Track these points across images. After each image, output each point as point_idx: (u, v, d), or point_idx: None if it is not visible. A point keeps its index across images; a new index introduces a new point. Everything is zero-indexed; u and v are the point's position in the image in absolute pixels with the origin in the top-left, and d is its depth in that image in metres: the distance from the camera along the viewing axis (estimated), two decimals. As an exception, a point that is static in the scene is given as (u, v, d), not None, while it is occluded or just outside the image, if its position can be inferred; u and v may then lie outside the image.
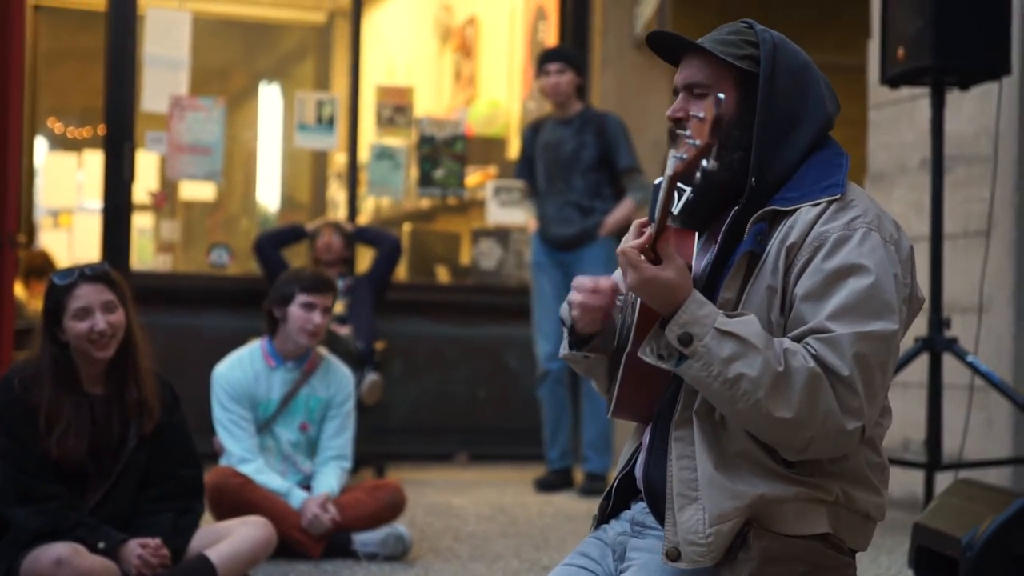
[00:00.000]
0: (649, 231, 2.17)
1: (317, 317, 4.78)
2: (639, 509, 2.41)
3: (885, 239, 2.25)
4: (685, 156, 2.13)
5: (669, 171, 2.12)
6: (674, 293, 2.17)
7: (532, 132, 6.86)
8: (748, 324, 2.16)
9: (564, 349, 2.51)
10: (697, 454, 2.25)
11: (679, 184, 2.21)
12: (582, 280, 2.39)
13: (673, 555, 2.24)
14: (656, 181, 2.19)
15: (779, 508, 2.23)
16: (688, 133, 2.17)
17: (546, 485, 6.60)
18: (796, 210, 2.28)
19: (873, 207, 2.30)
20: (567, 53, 6.75)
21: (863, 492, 2.30)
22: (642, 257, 2.17)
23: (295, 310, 4.76)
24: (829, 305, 2.18)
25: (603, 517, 2.51)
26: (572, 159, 6.56)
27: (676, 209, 2.21)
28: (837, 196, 2.28)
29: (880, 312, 2.18)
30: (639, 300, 2.28)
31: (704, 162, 2.15)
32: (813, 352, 2.16)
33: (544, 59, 6.68)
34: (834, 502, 2.27)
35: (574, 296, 2.38)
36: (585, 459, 6.63)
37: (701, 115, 2.19)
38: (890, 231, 2.28)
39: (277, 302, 4.81)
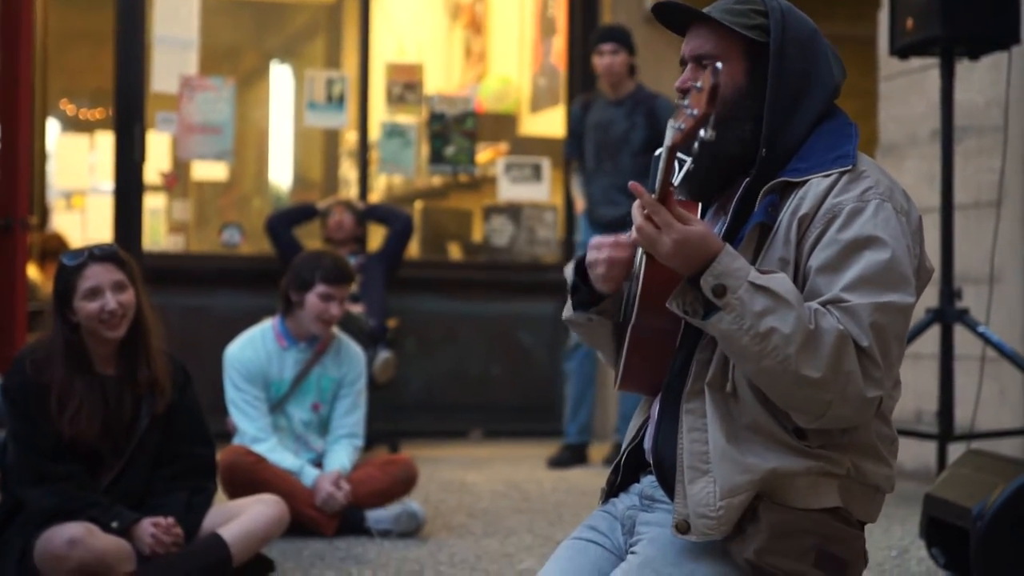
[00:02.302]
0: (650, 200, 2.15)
1: (335, 308, 4.79)
2: (648, 482, 2.41)
3: (897, 210, 2.24)
4: (683, 127, 2.12)
5: (668, 142, 2.11)
6: (708, 244, 2.13)
7: (581, 110, 6.83)
8: (781, 281, 2.15)
9: (568, 311, 2.50)
10: (709, 426, 2.24)
11: (679, 155, 2.20)
12: (601, 238, 2.37)
13: (683, 527, 2.23)
14: (656, 152, 2.18)
15: (790, 482, 2.22)
16: (687, 103, 2.15)
17: (559, 462, 6.60)
18: (807, 181, 2.26)
19: (884, 178, 2.29)
20: (620, 33, 6.69)
21: (873, 464, 2.29)
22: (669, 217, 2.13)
23: (313, 299, 4.77)
24: (846, 277, 2.17)
25: (611, 490, 2.51)
26: (622, 140, 6.56)
27: (676, 180, 2.19)
28: (848, 167, 2.26)
29: (897, 284, 2.18)
30: (642, 270, 2.27)
31: (701, 132, 2.12)
32: (836, 318, 2.15)
33: (598, 39, 6.67)
34: (845, 475, 2.26)
35: (598, 253, 2.35)
36: (617, 430, 6.64)
37: (699, 85, 2.15)
38: (901, 202, 2.27)
39: (296, 286, 4.81)
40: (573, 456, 6.66)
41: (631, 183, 2.19)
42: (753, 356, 2.13)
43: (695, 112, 2.13)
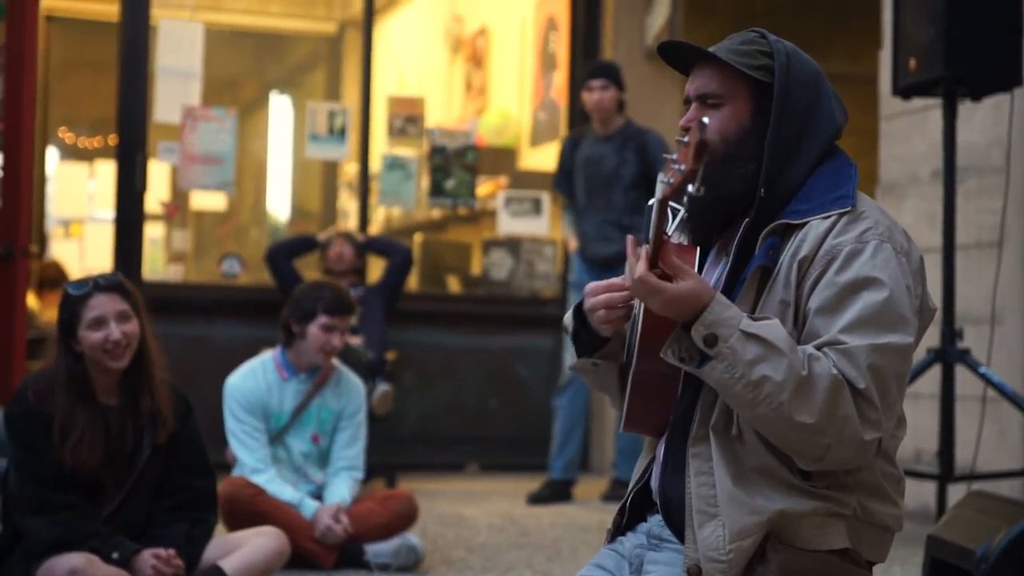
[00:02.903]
0: (646, 251, 2.17)
1: (336, 340, 4.79)
2: (655, 522, 2.41)
3: (897, 250, 2.25)
4: (672, 182, 2.14)
5: (658, 195, 2.13)
6: (698, 299, 2.16)
7: (571, 145, 6.81)
8: (773, 328, 2.16)
9: (573, 358, 2.51)
10: (715, 470, 2.25)
11: (672, 204, 2.21)
12: (595, 286, 2.37)
13: (694, 572, 2.24)
14: (649, 203, 2.20)
15: (798, 523, 2.23)
16: (675, 157, 2.17)
17: (540, 498, 6.52)
18: (807, 223, 2.27)
19: (884, 218, 2.30)
20: (610, 69, 6.69)
21: (880, 504, 2.30)
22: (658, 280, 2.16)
23: (315, 330, 4.76)
24: (843, 318, 2.18)
25: (617, 530, 2.51)
26: (613, 176, 6.55)
27: (670, 229, 2.21)
28: (848, 208, 2.27)
29: (895, 325, 2.18)
30: (641, 313, 2.28)
31: (689, 187, 2.14)
32: (832, 362, 2.16)
33: (588, 75, 6.67)
34: (852, 516, 2.27)
35: (595, 299, 2.34)
36: (615, 465, 6.61)
37: (686, 140, 2.17)
38: (901, 242, 2.28)
39: (297, 318, 4.80)
40: (555, 493, 6.58)
41: (632, 251, 2.20)
42: (747, 403, 2.15)
43: (682, 168, 2.15)
